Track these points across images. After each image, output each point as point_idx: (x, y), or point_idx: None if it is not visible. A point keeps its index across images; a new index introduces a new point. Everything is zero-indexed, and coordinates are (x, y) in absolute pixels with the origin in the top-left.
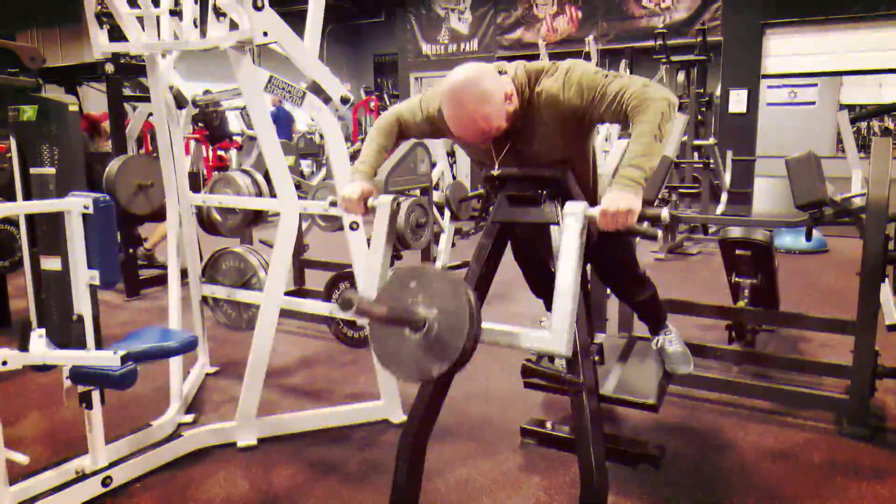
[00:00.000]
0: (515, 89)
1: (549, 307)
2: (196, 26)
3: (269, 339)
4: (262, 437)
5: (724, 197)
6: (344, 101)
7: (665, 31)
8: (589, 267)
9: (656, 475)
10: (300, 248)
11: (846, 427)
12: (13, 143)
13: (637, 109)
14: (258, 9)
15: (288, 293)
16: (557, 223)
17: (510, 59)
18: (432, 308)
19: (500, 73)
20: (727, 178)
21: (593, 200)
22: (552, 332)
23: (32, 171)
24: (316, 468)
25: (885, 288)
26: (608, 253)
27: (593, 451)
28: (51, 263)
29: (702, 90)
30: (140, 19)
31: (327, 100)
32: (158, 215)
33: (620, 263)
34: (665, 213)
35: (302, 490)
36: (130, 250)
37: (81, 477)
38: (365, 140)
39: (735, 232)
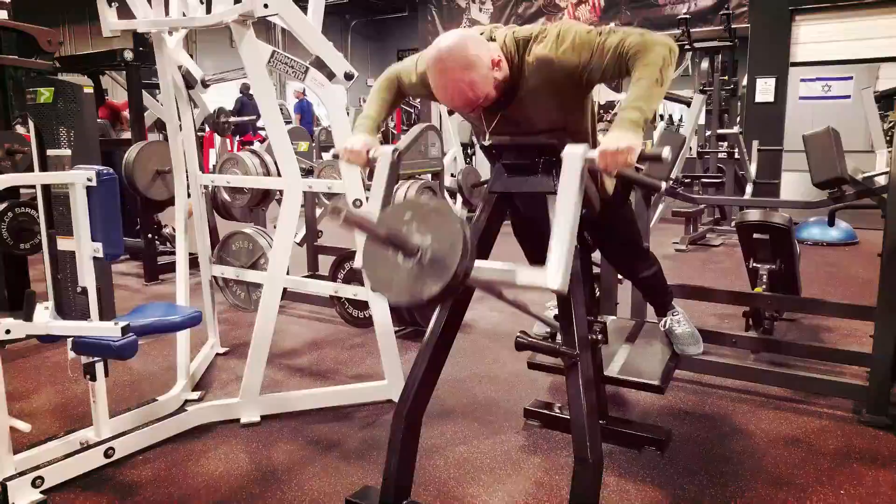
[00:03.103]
0: (504, 57)
1: None
2: (202, 3)
3: (272, 316)
4: (266, 415)
5: (749, 188)
6: (348, 76)
7: (689, 17)
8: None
9: (661, 459)
10: (314, 234)
11: (865, 415)
12: (31, 125)
13: (638, 55)
14: None
15: (311, 276)
16: (554, 192)
17: None
18: (426, 236)
19: (489, 39)
20: (752, 168)
21: (592, 171)
22: (548, 266)
23: (49, 152)
24: (316, 445)
25: None
26: (611, 226)
27: (587, 425)
28: (67, 244)
29: (725, 78)
30: None
31: (331, 75)
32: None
33: (623, 238)
34: (666, 152)
35: (300, 465)
36: (150, 236)
37: (85, 448)
38: (367, 98)
39: (753, 215)
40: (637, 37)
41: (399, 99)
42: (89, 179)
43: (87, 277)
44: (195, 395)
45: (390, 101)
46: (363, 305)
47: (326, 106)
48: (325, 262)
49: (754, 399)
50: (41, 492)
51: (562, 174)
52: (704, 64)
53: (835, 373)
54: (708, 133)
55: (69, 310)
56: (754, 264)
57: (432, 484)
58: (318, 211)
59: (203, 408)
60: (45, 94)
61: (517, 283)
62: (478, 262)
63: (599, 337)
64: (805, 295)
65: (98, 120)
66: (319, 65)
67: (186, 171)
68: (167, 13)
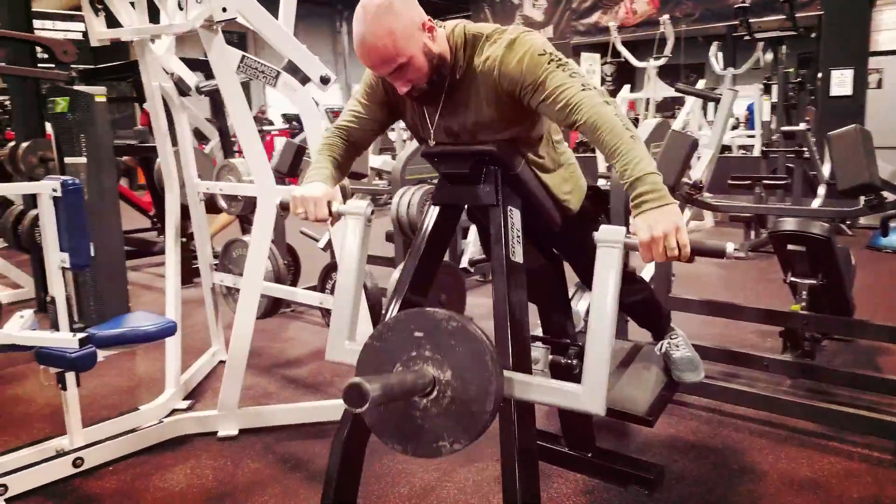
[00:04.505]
0: (449, 48)
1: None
2: (181, 9)
3: (248, 327)
4: (245, 428)
5: (821, 190)
6: (324, 80)
7: (747, 6)
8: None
9: (648, 499)
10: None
11: None
12: (52, 134)
13: (594, 122)
14: None
15: (310, 287)
16: (495, 204)
17: (588, 46)
18: (445, 368)
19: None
20: (825, 168)
21: (547, 188)
22: (584, 384)
23: (66, 160)
24: (285, 464)
25: None
26: (580, 245)
27: (519, 470)
28: None
29: (791, 69)
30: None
31: (305, 80)
32: (210, 206)
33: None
34: (731, 247)
35: (261, 485)
36: (183, 240)
37: (54, 456)
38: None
39: (787, 224)
40: (577, 93)
41: (350, 153)
42: (54, 190)
43: (55, 287)
44: (184, 404)
45: (340, 155)
46: None
47: (300, 112)
48: None
49: (776, 433)
50: (5, 499)
51: (595, 267)
52: (769, 56)
53: (881, 406)
54: (775, 134)
55: (88, 314)
56: (792, 279)
57: None
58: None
59: (181, 419)
60: (62, 104)
61: (543, 401)
62: (507, 374)
63: (574, 362)
64: (877, 314)
65: (139, 127)
66: (294, 69)
67: (182, 179)
68: (158, 21)
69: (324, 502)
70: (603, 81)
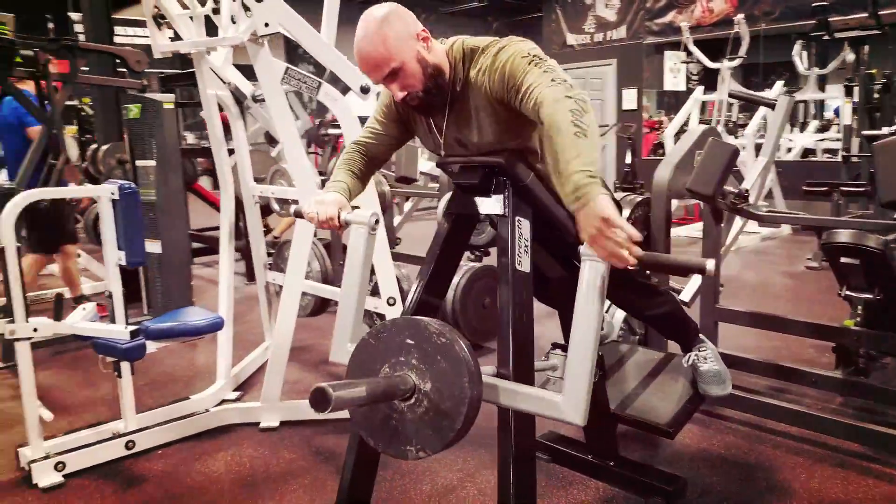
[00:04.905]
0: (449, 62)
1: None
2: (233, 22)
3: (290, 324)
4: (287, 420)
5: None
6: (364, 90)
7: (826, 3)
8: None
9: None
10: (391, 241)
11: None
12: (126, 138)
13: (548, 119)
14: (258, 0)
15: None
16: (503, 215)
17: (671, 45)
18: (426, 379)
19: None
20: None
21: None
22: (564, 395)
23: (138, 163)
24: (317, 456)
25: None
26: None
27: (513, 482)
28: (153, 247)
29: (874, 70)
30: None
31: (346, 90)
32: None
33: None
34: (710, 265)
35: (292, 475)
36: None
37: (109, 438)
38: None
39: (840, 236)
40: (545, 89)
41: (369, 168)
42: (112, 193)
43: (112, 283)
44: (234, 395)
45: (359, 170)
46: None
47: (339, 121)
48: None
49: (814, 451)
50: (63, 475)
51: (579, 279)
52: (851, 56)
53: None
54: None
55: (155, 305)
56: (847, 292)
57: None
58: (397, 218)
59: (227, 409)
60: (134, 111)
61: (525, 409)
62: (486, 379)
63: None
64: None
65: None
66: (336, 79)
67: (238, 183)
68: (216, 34)
69: (339, 496)
70: (689, 80)
